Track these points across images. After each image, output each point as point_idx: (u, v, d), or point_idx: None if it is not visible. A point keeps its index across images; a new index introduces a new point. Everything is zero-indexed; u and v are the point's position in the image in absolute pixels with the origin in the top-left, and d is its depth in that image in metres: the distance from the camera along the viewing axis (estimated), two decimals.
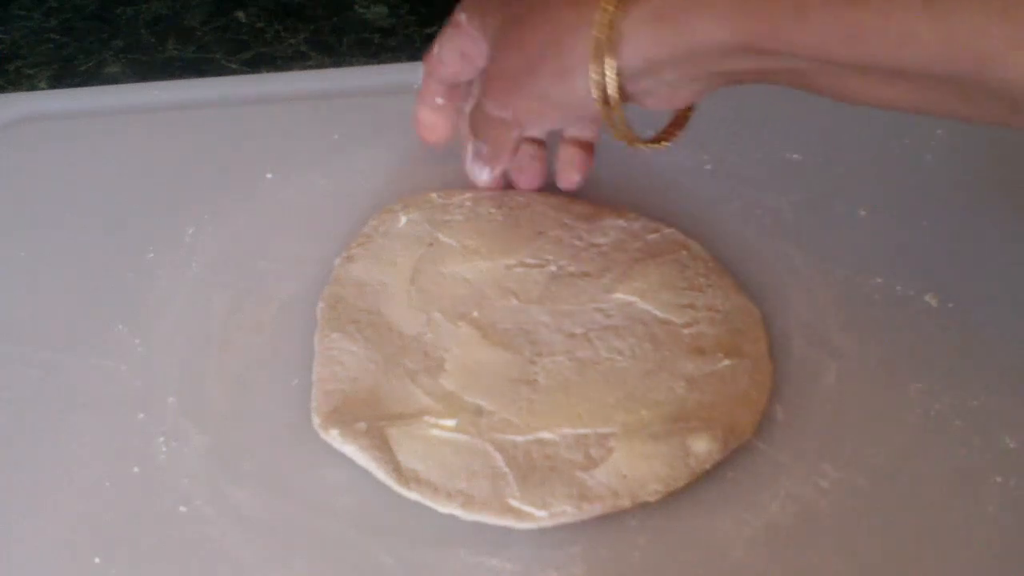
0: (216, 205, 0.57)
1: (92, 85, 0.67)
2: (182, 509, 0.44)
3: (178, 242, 0.55)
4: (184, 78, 0.67)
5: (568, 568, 0.42)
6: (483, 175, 0.54)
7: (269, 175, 0.59)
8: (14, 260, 0.55)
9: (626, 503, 0.43)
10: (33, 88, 0.67)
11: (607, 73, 0.43)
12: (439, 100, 0.55)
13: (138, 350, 0.50)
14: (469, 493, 0.43)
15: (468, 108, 0.53)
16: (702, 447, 0.44)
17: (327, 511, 0.44)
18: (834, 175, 0.57)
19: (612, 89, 0.43)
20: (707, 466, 0.44)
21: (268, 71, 0.67)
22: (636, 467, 0.43)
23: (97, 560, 0.43)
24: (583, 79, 0.44)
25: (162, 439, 0.47)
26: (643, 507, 0.43)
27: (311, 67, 0.67)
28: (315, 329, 0.49)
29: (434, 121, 0.55)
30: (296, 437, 0.46)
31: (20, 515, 0.45)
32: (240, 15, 0.71)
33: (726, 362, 0.47)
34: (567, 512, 0.42)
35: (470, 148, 0.53)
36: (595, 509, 0.43)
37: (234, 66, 0.68)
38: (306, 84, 0.65)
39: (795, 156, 0.58)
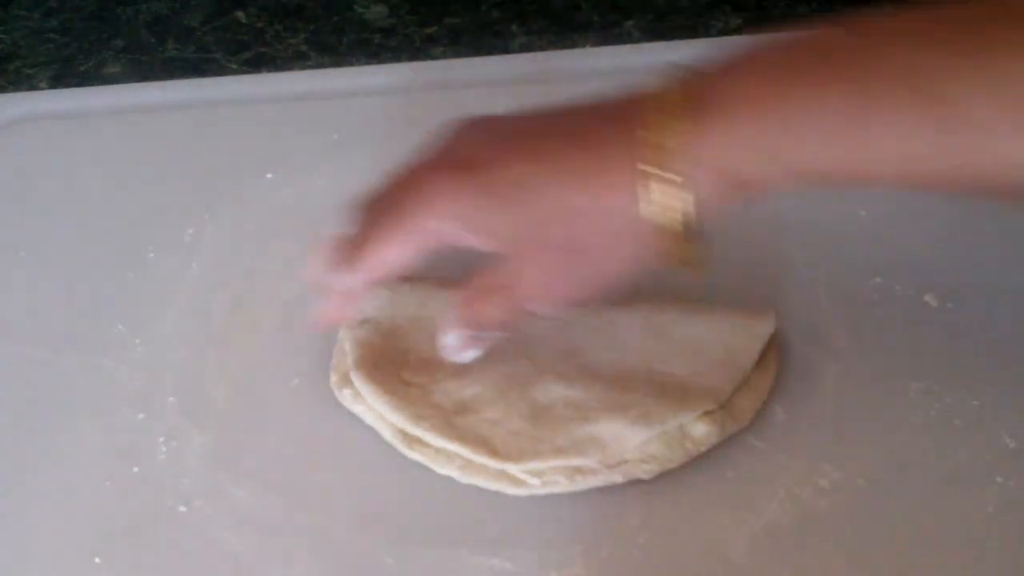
0: (216, 205, 0.57)
1: (92, 85, 0.67)
2: (182, 509, 0.44)
3: (178, 242, 0.55)
4: (184, 78, 0.67)
5: (568, 568, 0.42)
6: (470, 355, 0.44)
7: (269, 175, 0.59)
8: (14, 260, 0.55)
9: (618, 478, 0.43)
10: (33, 88, 0.67)
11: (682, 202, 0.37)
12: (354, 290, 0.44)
13: (138, 350, 0.50)
14: (467, 458, 0.44)
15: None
16: (700, 430, 0.44)
17: (327, 510, 0.44)
18: None
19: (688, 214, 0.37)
20: (703, 448, 0.44)
21: (268, 71, 0.67)
22: (631, 445, 0.43)
23: (97, 560, 0.43)
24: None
25: (162, 439, 0.47)
26: (641, 507, 0.43)
27: (311, 67, 0.67)
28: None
29: (341, 315, 0.46)
30: (296, 437, 0.46)
31: (20, 515, 0.45)
32: (240, 15, 0.71)
33: (732, 348, 0.47)
34: (559, 482, 0.43)
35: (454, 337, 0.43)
36: (588, 482, 0.43)
37: (234, 66, 0.68)
38: (306, 84, 0.65)
39: None
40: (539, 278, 0.40)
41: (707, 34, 0.67)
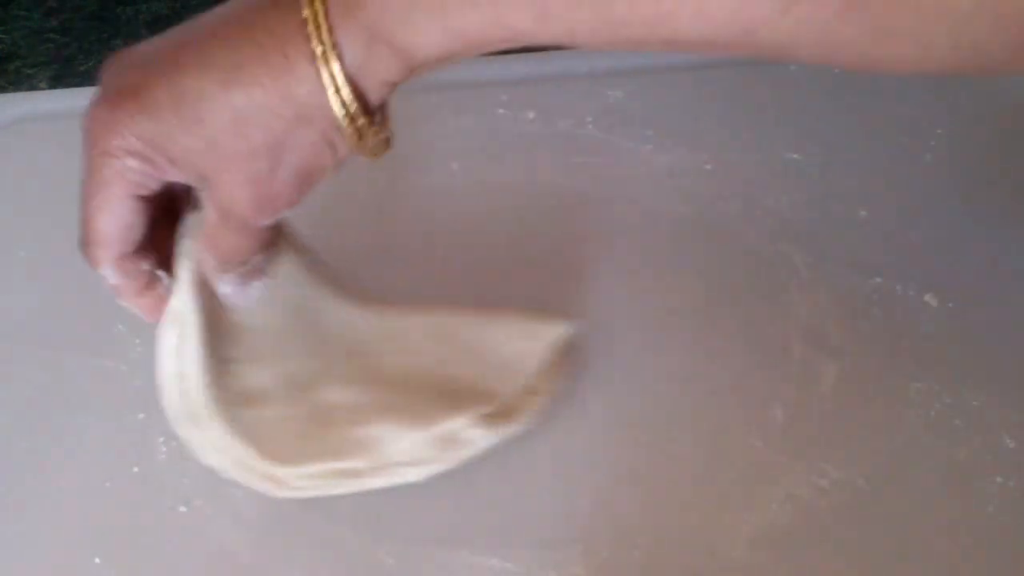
0: None
1: (92, 85, 0.67)
2: (182, 509, 0.44)
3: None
4: None
5: (568, 568, 0.42)
6: (254, 291, 0.42)
7: None
8: (14, 260, 0.55)
9: (383, 482, 0.44)
10: (33, 88, 0.68)
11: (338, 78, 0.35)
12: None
13: (138, 350, 0.50)
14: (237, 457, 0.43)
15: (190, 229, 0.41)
16: (472, 432, 0.44)
17: (327, 511, 0.44)
18: (834, 175, 0.57)
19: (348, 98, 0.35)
20: (475, 451, 0.44)
21: None
22: (400, 448, 0.43)
23: (97, 560, 0.43)
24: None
25: (162, 439, 0.47)
26: (641, 507, 0.43)
27: None
28: None
29: (146, 307, 0.43)
30: None
31: (20, 515, 0.45)
32: None
33: (518, 351, 0.46)
34: (323, 486, 0.44)
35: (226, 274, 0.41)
36: (353, 485, 0.44)
37: None
38: None
39: (795, 156, 0.58)
40: (248, 191, 0.37)
41: None
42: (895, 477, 0.44)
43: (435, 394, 0.44)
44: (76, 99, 0.65)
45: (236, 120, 0.35)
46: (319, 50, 0.34)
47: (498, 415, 0.45)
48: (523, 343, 0.46)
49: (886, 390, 0.47)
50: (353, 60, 0.34)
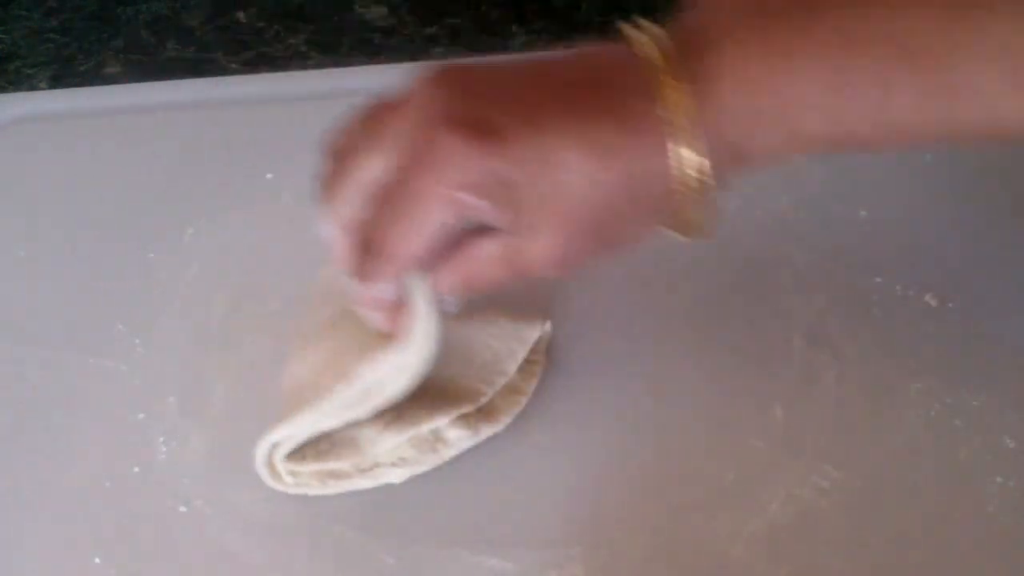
0: (216, 205, 0.57)
1: (92, 85, 0.67)
2: (182, 509, 0.44)
3: (178, 242, 0.55)
4: (184, 78, 0.67)
5: (568, 568, 0.42)
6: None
7: (269, 175, 0.59)
8: (14, 260, 0.55)
9: (368, 483, 0.44)
10: (33, 88, 0.67)
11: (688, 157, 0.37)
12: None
13: (138, 350, 0.50)
14: None
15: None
16: (452, 433, 0.44)
17: (327, 511, 0.44)
18: (834, 175, 0.57)
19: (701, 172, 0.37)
20: (455, 451, 0.44)
21: (268, 71, 0.67)
22: (383, 449, 0.44)
23: (97, 560, 0.43)
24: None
25: (162, 439, 0.47)
26: (641, 507, 0.43)
27: (311, 67, 0.67)
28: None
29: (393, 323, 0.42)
30: None
31: (20, 515, 0.45)
32: (240, 15, 0.71)
33: (497, 351, 0.47)
34: (311, 485, 0.44)
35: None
36: (340, 486, 0.44)
37: (234, 66, 0.68)
38: (306, 84, 0.65)
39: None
40: (556, 248, 0.38)
41: None
42: (895, 477, 0.44)
43: (416, 395, 0.44)
44: (76, 99, 0.65)
45: (589, 193, 0.37)
46: (672, 148, 0.36)
47: (480, 415, 0.45)
48: (503, 343, 0.47)
49: (886, 390, 0.47)
50: (698, 155, 0.37)
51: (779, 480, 0.44)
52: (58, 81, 0.68)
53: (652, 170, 0.37)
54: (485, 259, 0.39)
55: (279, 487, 0.44)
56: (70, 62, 0.69)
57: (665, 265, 0.53)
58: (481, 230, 0.38)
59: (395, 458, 0.44)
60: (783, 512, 0.43)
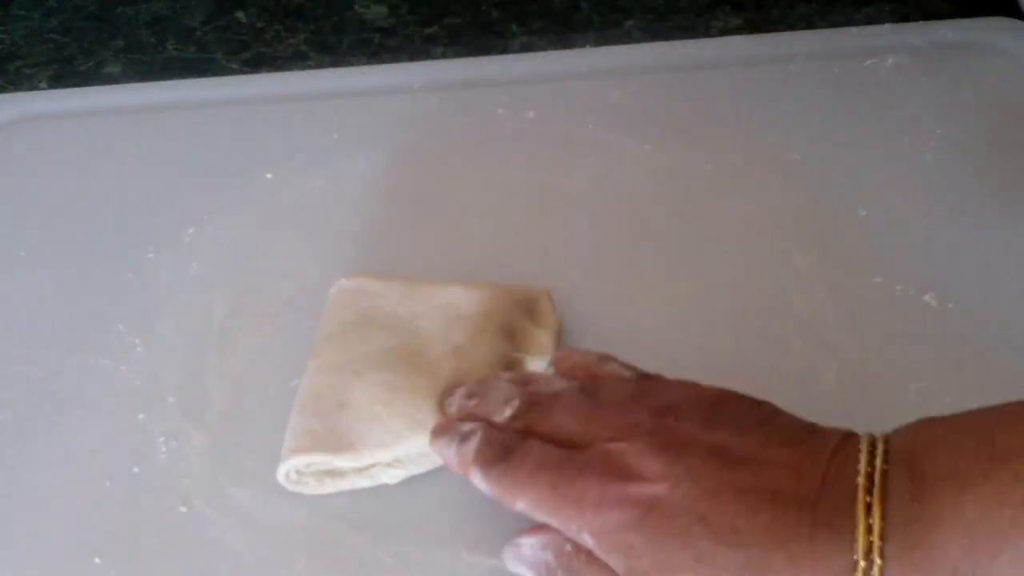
0: (216, 205, 0.57)
1: (92, 85, 0.67)
2: (182, 509, 0.44)
3: (178, 242, 0.55)
4: (184, 78, 0.67)
5: None
6: None
7: (269, 175, 0.59)
8: (14, 260, 0.55)
9: (366, 482, 0.44)
10: (33, 88, 0.67)
11: None
12: None
13: (138, 350, 0.50)
14: None
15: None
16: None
17: (327, 511, 0.44)
18: (834, 175, 0.57)
19: None
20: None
21: (268, 71, 0.67)
22: (383, 450, 0.44)
23: (97, 560, 0.43)
24: None
25: (162, 439, 0.47)
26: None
27: (311, 67, 0.67)
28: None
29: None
30: None
31: (20, 515, 0.45)
32: (240, 15, 0.71)
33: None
34: (309, 483, 0.44)
35: None
36: (337, 485, 0.44)
37: (234, 66, 0.68)
38: (306, 84, 0.65)
39: (795, 156, 0.58)
40: None
41: (707, 34, 0.67)
42: None
43: (420, 394, 0.44)
44: (76, 99, 0.65)
45: None
46: None
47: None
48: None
49: (886, 390, 0.47)
50: None
51: None
52: (58, 81, 0.68)
53: None
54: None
55: (289, 486, 0.44)
56: (70, 62, 0.69)
57: (663, 265, 0.53)
58: None
59: (391, 459, 0.44)
60: None
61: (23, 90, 0.67)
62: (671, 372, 0.43)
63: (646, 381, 0.42)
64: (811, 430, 0.38)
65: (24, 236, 0.57)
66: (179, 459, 0.46)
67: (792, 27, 0.67)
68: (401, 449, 0.43)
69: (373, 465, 0.44)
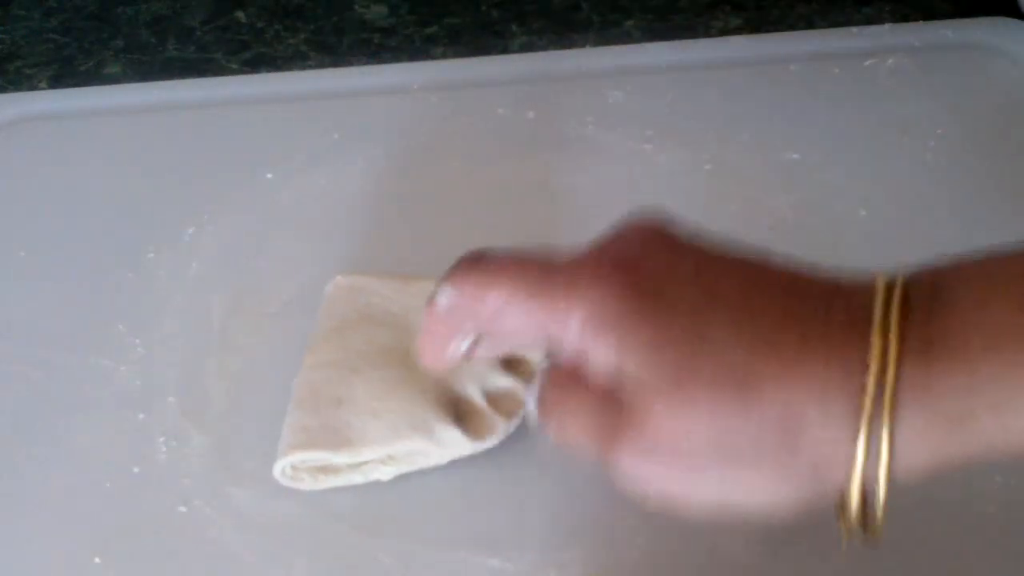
0: (216, 205, 0.57)
1: (92, 85, 0.67)
2: (182, 509, 0.44)
3: (178, 242, 0.55)
4: (184, 78, 0.67)
5: (568, 568, 0.42)
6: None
7: (269, 175, 0.59)
8: (14, 260, 0.55)
9: (359, 479, 0.44)
10: (33, 88, 0.67)
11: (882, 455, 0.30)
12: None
13: (138, 350, 0.50)
14: None
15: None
16: (447, 435, 0.44)
17: (327, 511, 0.44)
18: (834, 175, 0.57)
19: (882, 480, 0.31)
20: (450, 456, 0.44)
21: (268, 71, 0.67)
22: (377, 447, 0.44)
23: (97, 560, 0.43)
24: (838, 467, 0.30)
25: (162, 439, 0.47)
26: (641, 506, 0.43)
27: (311, 67, 0.67)
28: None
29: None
30: None
31: (20, 515, 0.45)
32: (240, 15, 0.71)
33: None
34: (304, 479, 0.44)
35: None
36: (329, 481, 0.44)
37: (234, 66, 0.68)
38: (306, 84, 0.65)
39: (795, 156, 0.58)
40: (648, 468, 0.32)
41: (707, 34, 0.67)
42: None
43: (418, 390, 0.45)
44: (76, 99, 0.65)
45: (744, 407, 0.30)
46: (867, 413, 0.29)
47: (475, 422, 0.45)
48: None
49: None
50: (902, 444, 0.30)
51: None
52: (58, 81, 0.68)
53: (821, 430, 0.30)
54: (580, 413, 0.33)
55: (284, 482, 0.44)
56: (70, 62, 0.69)
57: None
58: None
59: (383, 456, 0.44)
60: None
61: (23, 90, 0.67)
62: None
63: None
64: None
65: (24, 236, 0.57)
66: (179, 459, 0.46)
67: (792, 27, 0.67)
68: (399, 446, 0.43)
69: (368, 461, 0.44)
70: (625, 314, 0.31)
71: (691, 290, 0.32)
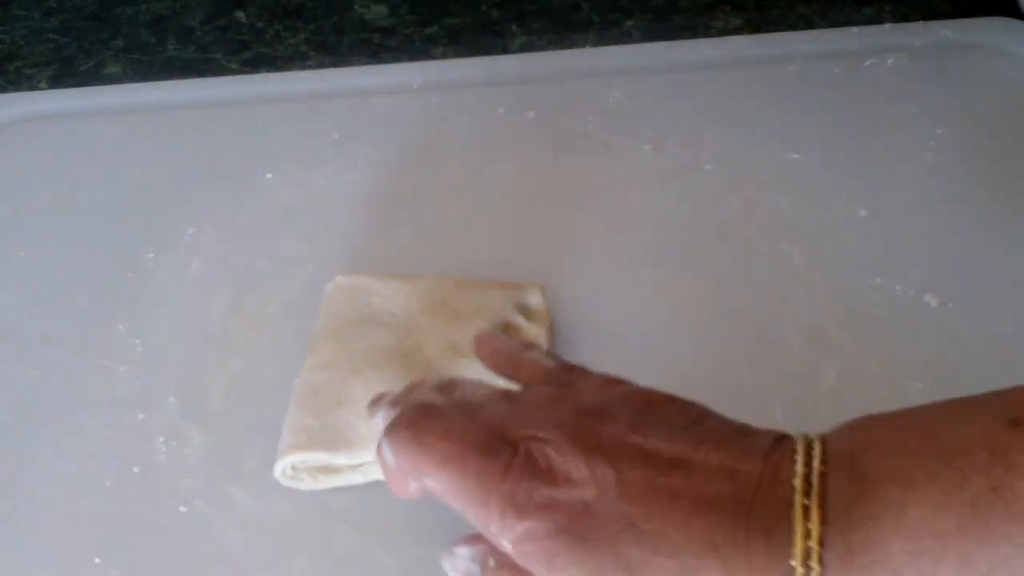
0: (216, 205, 0.57)
1: (92, 85, 0.67)
2: (182, 509, 0.44)
3: (178, 242, 0.55)
4: (184, 78, 0.67)
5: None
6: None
7: (269, 175, 0.59)
8: (14, 260, 0.55)
9: (359, 479, 0.44)
10: (33, 88, 0.67)
11: None
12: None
13: (138, 350, 0.50)
14: None
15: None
16: None
17: (327, 511, 0.44)
18: (834, 175, 0.57)
19: None
20: None
21: (268, 71, 0.67)
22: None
23: (97, 560, 0.43)
24: None
25: (162, 439, 0.47)
26: None
27: (311, 67, 0.67)
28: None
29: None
30: None
31: (20, 515, 0.45)
32: (240, 15, 0.71)
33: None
34: (304, 480, 0.44)
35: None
36: (330, 481, 0.44)
37: (234, 66, 0.68)
38: (306, 84, 0.65)
39: (795, 156, 0.58)
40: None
41: (707, 34, 0.67)
42: None
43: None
44: (76, 99, 0.65)
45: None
46: None
47: None
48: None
49: (886, 390, 0.47)
50: None
51: None
52: (58, 81, 0.68)
53: None
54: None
55: (284, 482, 0.44)
56: (70, 62, 0.69)
57: (663, 265, 0.53)
58: None
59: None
60: None
61: (23, 90, 0.67)
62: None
63: (568, 373, 0.39)
64: (744, 431, 0.35)
65: (24, 236, 0.57)
66: (179, 459, 0.46)
67: (792, 27, 0.67)
68: None
69: (368, 462, 0.44)
70: (551, 550, 0.33)
71: (613, 517, 0.33)
